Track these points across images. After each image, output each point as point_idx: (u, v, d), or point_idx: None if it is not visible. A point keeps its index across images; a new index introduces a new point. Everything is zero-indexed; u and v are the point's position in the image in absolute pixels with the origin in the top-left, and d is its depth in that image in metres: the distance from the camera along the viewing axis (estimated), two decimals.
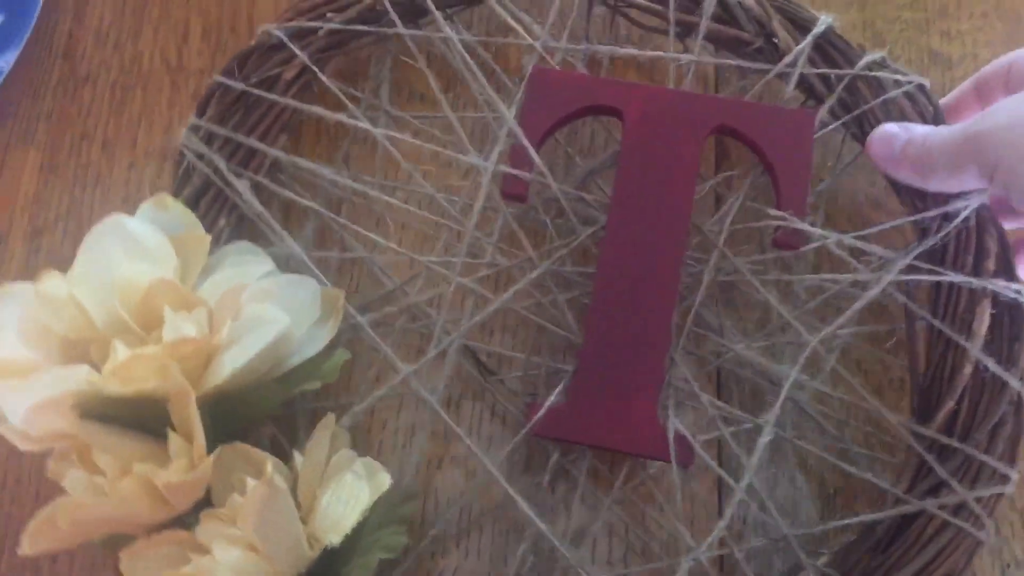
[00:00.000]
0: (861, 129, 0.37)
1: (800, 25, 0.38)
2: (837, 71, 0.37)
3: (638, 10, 0.39)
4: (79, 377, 0.31)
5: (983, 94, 0.38)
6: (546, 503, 0.35)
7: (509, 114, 0.36)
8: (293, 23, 0.39)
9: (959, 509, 0.33)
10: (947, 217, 0.35)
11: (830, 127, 0.37)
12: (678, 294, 0.35)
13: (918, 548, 0.33)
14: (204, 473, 0.31)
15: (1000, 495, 0.33)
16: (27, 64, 0.44)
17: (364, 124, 0.37)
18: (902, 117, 0.37)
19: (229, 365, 0.31)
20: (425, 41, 0.40)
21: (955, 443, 0.33)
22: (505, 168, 0.36)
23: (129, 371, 0.30)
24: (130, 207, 0.36)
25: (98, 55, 0.44)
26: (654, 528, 0.35)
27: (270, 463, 0.30)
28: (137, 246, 0.34)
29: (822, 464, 0.36)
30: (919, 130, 0.35)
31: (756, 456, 0.33)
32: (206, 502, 0.32)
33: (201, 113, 0.38)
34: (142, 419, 0.32)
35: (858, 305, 0.35)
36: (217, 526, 0.31)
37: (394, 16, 0.39)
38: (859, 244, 0.35)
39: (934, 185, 0.35)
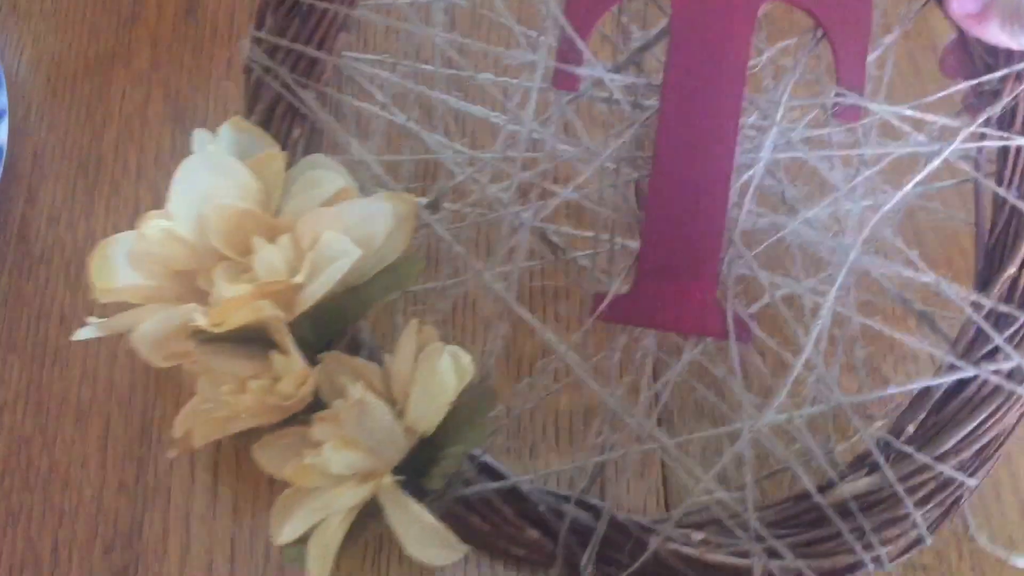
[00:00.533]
0: None
1: None
2: None
3: None
4: (187, 314, 0.35)
5: None
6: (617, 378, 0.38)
7: (556, 7, 0.36)
8: None
9: (1013, 373, 0.34)
10: (1019, 76, 0.34)
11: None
12: (734, 172, 0.36)
13: (970, 409, 0.35)
14: (307, 388, 0.35)
15: None
16: None
17: (418, 28, 0.38)
18: None
19: (311, 297, 0.35)
20: None
21: (1013, 309, 0.34)
22: (555, 63, 0.36)
23: (227, 312, 0.34)
24: (89, 380, 0.41)
25: (51, 234, 0.45)
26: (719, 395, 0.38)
27: (359, 385, 0.34)
28: (222, 178, 0.37)
29: (878, 336, 0.37)
30: None
31: (814, 334, 0.35)
32: (317, 402, 0.37)
33: (259, 26, 0.39)
34: (250, 339, 0.36)
35: (919, 175, 0.35)
36: (326, 427, 0.35)
37: None
38: (919, 116, 0.34)
39: None
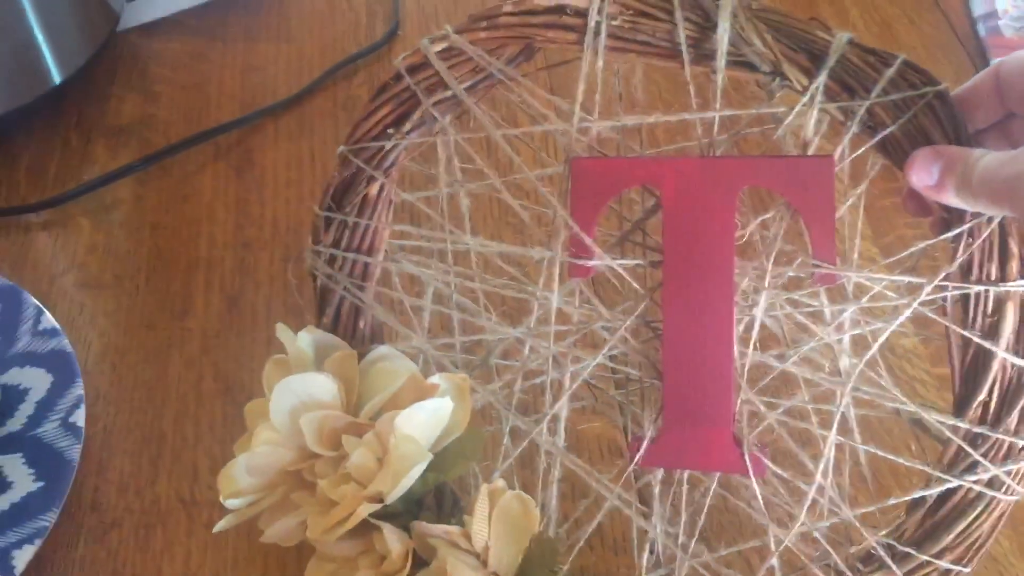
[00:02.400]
0: (886, 150, 0.40)
1: (816, 54, 0.39)
2: (853, 103, 0.39)
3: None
4: (301, 516, 0.43)
5: (1005, 87, 0.39)
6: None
7: (563, 211, 0.42)
8: (361, 144, 0.45)
9: (993, 481, 0.40)
10: (971, 233, 0.39)
11: (852, 157, 0.40)
12: (735, 332, 0.41)
13: (958, 513, 0.41)
14: (409, 560, 0.43)
15: None
16: (61, 519, 0.50)
17: (453, 232, 0.44)
18: (923, 136, 0.39)
19: (396, 495, 0.42)
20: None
21: (987, 431, 0.40)
22: (569, 259, 0.42)
23: (335, 522, 0.42)
24: None
25: (122, 502, 0.51)
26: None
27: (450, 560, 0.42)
28: (310, 389, 0.44)
29: (874, 460, 0.43)
30: (958, 157, 0.37)
31: (822, 463, 0.41)
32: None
33: (316, 241, 0.46)
34: None
35: (893, 326, 0.40)
36: None
37: (444, 123, 0.44)
38: (889, 278, 0.39)
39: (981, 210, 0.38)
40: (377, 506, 0.43)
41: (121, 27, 0.79)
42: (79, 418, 0.53)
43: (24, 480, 0.51)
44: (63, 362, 0.56)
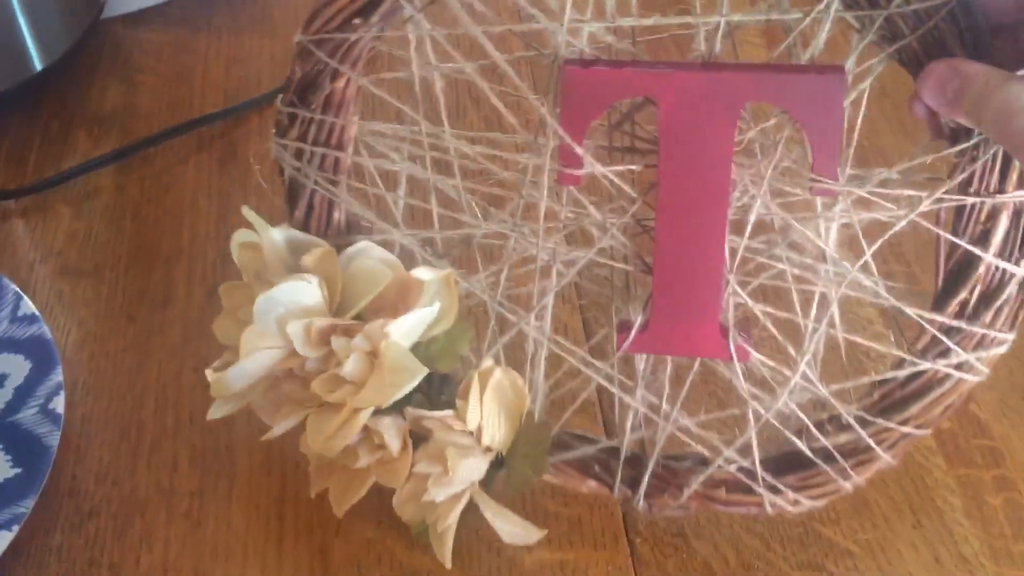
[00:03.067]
0: (901, 60, 0.37)
1: None
2: (872, 12, 0.36)
3: None
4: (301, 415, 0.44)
5: None
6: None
7: (553, 120, 0.39)
8: (322, 34, 0.40)
9: (963, 365, 0.42)
10: (977, 147, 0.38)
11: (865, 65, 0.37)
12: (727, 233, 0.41)
13: (927, 388, 0.43)
14: (409, 446, 0.45)
15: (999, 353, 0.42)
16: (38, 506, 0.48)
17: (431, 131, 0.41)
18: (942, 47, 0.36)
19: (388, 403, 0.43)
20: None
21: (963, 324, 0.41)
22: (559, 168, 0.40)
23: (331, 430, 0.43)
24: None
25: (100, 491, 0.48)
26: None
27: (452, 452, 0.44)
28: (292, 299, 0.43)
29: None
30: (975, 77, 0.35)
31: (807, 354, 0.43)
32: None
33: (281, 135, 0.43)
34: None
35: (888, 233, 0.40)
36: (424, 466, 0.46)
37: (418, 15, 0.39)
38: (887, 192, 0.39)
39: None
40: (371, 409, 0.44)
41: (105, 15, 0.77)
42: (58, 405, 0.52)
43: (1, 466, 0.51)
44: (42, 349, 0.55)
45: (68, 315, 0.59)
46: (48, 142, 0.69)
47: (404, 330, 0.43)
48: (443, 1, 0.39)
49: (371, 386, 0.43)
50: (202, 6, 0.79)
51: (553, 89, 0.39)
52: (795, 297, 0.44)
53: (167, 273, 0.61)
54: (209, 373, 0.45)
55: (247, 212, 0.45)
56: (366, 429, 0.45)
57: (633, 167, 0.41)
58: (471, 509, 0.48)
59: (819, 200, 0.42)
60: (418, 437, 0.46)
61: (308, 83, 0.41)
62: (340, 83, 0.41)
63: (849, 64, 0.37)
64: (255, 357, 0.44)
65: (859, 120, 0.40)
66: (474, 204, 0.44)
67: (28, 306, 0.57)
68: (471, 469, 0.46)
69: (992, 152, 0.38)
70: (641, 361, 0.46)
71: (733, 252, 0.42)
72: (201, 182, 0.66)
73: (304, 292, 0.43)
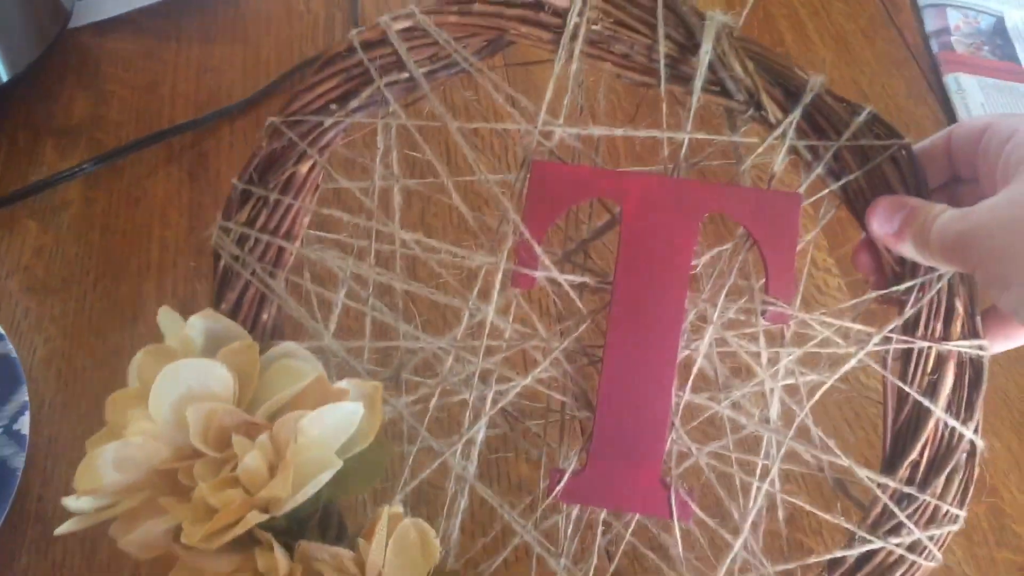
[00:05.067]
0: (846, 196, 0.40)
1: (791, 91, 0.39)
2: (823, 142, 0.39)
3: (632, 80, 0.40)
4: (175, 520, 0.37)
5: (954, 152, 0.40)
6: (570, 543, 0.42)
7: (515, 215, 0.39)
8: (296, 116, 0.41)
9: (915, 545, 0.39)
10: (921, 288, 0.39)
11: (815, 197, 0.40)
12: (676, 368, 0.39)
13: (879, 574, 0.40)
14: None
15: (952, 532, 0.40)
16: (3, 528, 0.48)
17: (383, 225, 0.40)
18: (885, 184, 0.39)
19: (294, 503, 0.37)
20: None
21: (915, 491, 0.39)
22: (515, 267, 0.39)
23: (219, 527, 0.36)
24: None
25: (67, 514, 0.46)
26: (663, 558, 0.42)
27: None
28: (200, 377, 0.38)
29: (796, 509, 0.42)
30: (920, 210, 0.37)
31: (750, 517, 0.39)
32: None
33: (227, 216, 0.41)
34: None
35: (834, 377, 0.39)
36: None
37: (398, 109, 0.40)
38: (839, 323, 0.39)
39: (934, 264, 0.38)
40: (265, 516, 0.38)
41: (72, 24, 0.75)
42: (23, 426, 0.50)
43: None
44: (7, 367, 0.52)
45: (35, 332, 0.56)
46: (14, 154, 0.66)
47: (322, 426, 0.38)
48: (418, 103, 0.41)
49: (275, 482, 0.37)
50: (172, 15, 0.77)
51: (519, 185, 0.40)
52: (734, 463, 0.42)
53: (137, 288, 0.58)
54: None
55: (163, 311, 0.42)
56: (246, 554, 0.38)
57: (588, 280, 0.40)
58: None
59: (764, 357, 0.41)
60: None
61: (272, 162, 0.41)
62: (304, 167, 0.41)
63: (803, 189, 0.39)
64: (139, 442, 0.38)
65: (805, 270, 0.41)
66: (414, 311, 0.42)
67: None
68: None
69: (937, 292, 0.39)
70: (568, 525, 0.41)
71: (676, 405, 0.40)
72: (171, 194, 0.64)
73: (215, 375, 0.39)
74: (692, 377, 0.40)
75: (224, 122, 0.68)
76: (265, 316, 0.42)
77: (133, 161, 0.66)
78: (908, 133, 0.39)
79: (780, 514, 0.42)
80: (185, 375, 0.38)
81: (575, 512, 0.41)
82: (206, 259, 0.57)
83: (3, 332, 0.53)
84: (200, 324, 0.41)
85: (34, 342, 0.56)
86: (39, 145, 0.67)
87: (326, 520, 0.42)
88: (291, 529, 0.40)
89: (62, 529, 0.40)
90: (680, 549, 0.40)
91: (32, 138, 0.68)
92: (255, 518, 0.37)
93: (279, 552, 0.37)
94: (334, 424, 0.39)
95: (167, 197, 0.64)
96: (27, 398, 0.51)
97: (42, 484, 0.50)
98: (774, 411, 0.41)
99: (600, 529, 0.41)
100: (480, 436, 0.41)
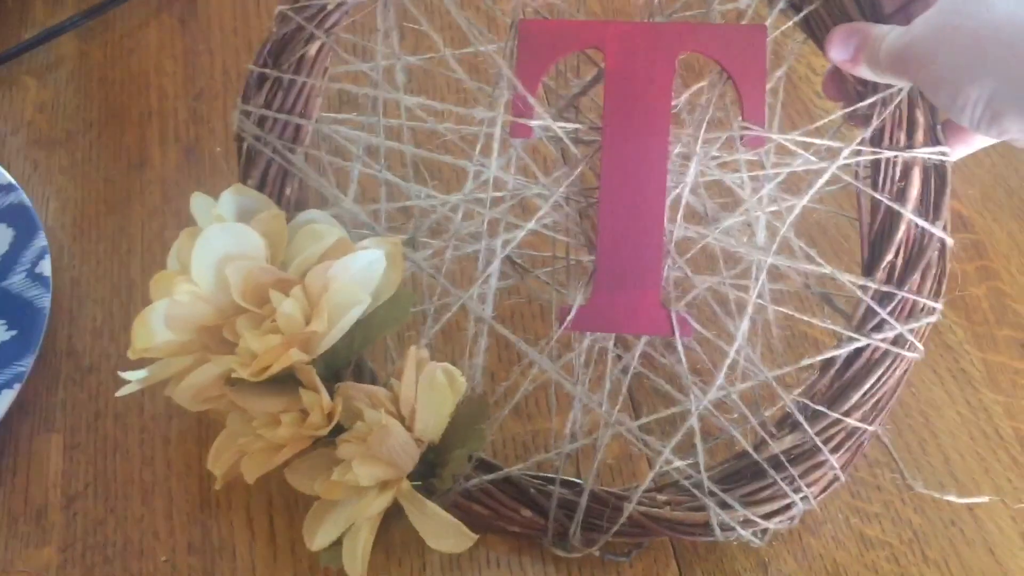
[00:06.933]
0: (809, 27, 0.43)
1: None
2: None
3: None
4: (224, 366, 0.41)
5: None
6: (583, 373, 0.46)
7: (509, 71, 0.43)
8: (302, 2, 0.44)
9: (898, 339, 0.43)
10: (883, 102, 0.43)
11: (781, 29, 0.43)
12: (666, 198, 0.43)
13: (866, 371, 0.43)
14: (335, 418, 0.41)
15: (930, 323, 0.43)
16: (38, 366, 0.51)
17: (387, 93, 0.44)
18: (842, 12, 0.43)
19: (330, 341, 0.41)
20: None
21: (893, 288, 0.43)
22: (511, 118, 0.43)
23: (265, 362, 0.40)
24: (148, 463, 0.48)
25: (97, 347, 0.52)
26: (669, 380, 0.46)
27: (381, 411, 0.41)
28: (235, 241, 0.42)
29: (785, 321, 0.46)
30: (871, 33, 0.41)
31: (743, 326, 0.43)
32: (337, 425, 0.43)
33: (247, 100, 0.45)
34: (275, 378, 0.42)
35: (813, 190, 0.43)
36: (350, 447, 0.42)
37: None
38: (810, 140, 0.43)
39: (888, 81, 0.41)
40: (306, 357, 0.41)
41: None
42: (45, 268, 0.53)
43: None
44: (22, 215, 0.56)
45: (46, 184, 0.59)
46: (5, 15, 0.68)
47: (349, 273, 0.42)
48: None
49: (313, 322, 0.41)
50: None
51: (510, 47, 0.43)
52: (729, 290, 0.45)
53: (140, 135, 0.61)
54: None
55: (194, 197, 0.45)
56: (290, 395, 0.42)
57: (580, 126, 0.44)
58: (395, 514, 0.43)
59: (748, 187, 0.45)
60: (339, 429, 0.43)
61: (283, 46, 0.45)
62: (313, 48, 0.45)
63: (768, 23, 0.43)
64: (186, 300, 0.42)
65: (779, 101, 0.45)
66: (425, 177, 0.46)
67: (4, 175, 0.57)
68: (401, 449, 0.42)
69: (897, 103, 0.42)
70: (580, 357, 0.45)
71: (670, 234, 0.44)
72: (164, 43, 0.66)
73: (248, 239, 0.43)
74: (682, 208, 0.44)
75: None
76: (288, 190, 0.46)
77: (123, 13, 0.68)
78: None
79: (774, 330, 0.45)
80: (222, 240, 0.42)
81: (586, 342, 0.45)
82: (205, 103, 0.62)
83: (16, 183, 0.56)
84: (230, 199, 0.45)
85: (46, 192, 0.59)
86: (28, 4, 0.69)
87: (359, 371, 0.46)
88: (329, 377, 0.44)
89: (123, 392, 0.44)
90: (685, 365, 0.44)
91: None
92: (296, 355, 0.41)
93: (321, 388, 0.41)
94: (360, 271, 0.43)
95: (160, 45, 0.66)
96: (45, 243, 0.54)
97: (70, 323, 0.54)
98: (761, 236, 0.45)
99: (610, 356, 0.45)
100: (494, 280, 0.45)
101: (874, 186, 0.43)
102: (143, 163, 0.60)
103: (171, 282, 0.44)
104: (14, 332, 0.52)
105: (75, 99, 0.63)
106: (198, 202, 0.45)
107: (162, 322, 0.42)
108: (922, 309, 0.43)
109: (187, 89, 0.63)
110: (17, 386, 0.49)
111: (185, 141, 0.61)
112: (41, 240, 0.54)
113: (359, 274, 0.42)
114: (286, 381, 0.42)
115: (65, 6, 0.68)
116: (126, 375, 0.45)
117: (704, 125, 0.43)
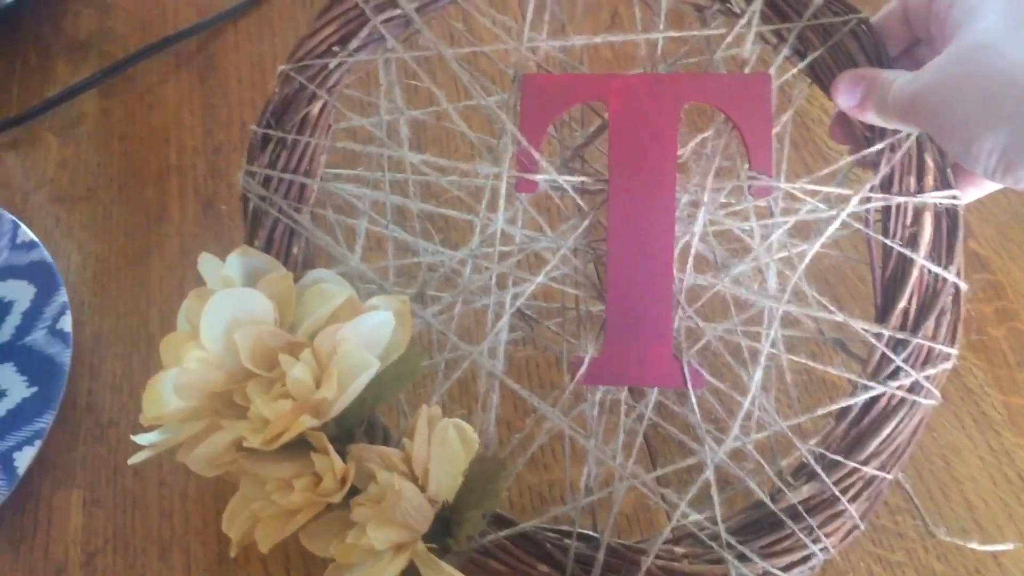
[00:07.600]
0: (815, 73, 0.43)
1: None
2: (787, 25, 0.42)
3: None
4: (236, 431, 0.41)
5: (910, 17, 0.43)
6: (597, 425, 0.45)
7: (512, 126, 0.42)
8: (304, 62, 0.44)
9: (915, 386, 0.43)
10: (892, 148, 0.42)
11: (786, 76, 0.43)
12: (675, 248, 0.43)
13: (882, 419, 0.43)
14: (348, 482, 0.41)
15: (946, 370, 0.43)
16: (58, 421, 0.52)
17: (392, 150, 0.44)
18: (848, 58, 0.42)
19: (340, 406, 0.41)
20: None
21: (907, 335, 0.42)
22: (516, 174, 0.43)
23: (276, 431, 0.40)
24: (167, 519, 0.48)
25: (116, 403, 0.52)
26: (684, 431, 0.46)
27: (395, 475, 0.41)
28: (243, 306, 0.42)
29: (803, 379, 0.45)
30: (877, 79, 0.41)
31: (757, 375, 0.42)
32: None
33: (251, 161, 0.45)
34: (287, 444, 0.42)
35: (823, 237, 0.43)
36: (364, 510, 0.42)
37: (393, 42, 0.44)
38: (819, 188, 0.42)
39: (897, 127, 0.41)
40: (317, 422, 0.41)
41: None
42: (66, 324, 0.54)
43: (18, 387, 0.53)
44: (44, 272, 0.57)
45: (67, 240, 0.60)
46: (28, 73, 0.69)
47: (358, 334, 0.42)
48: (415, 37, 0.44)
49: (323, 388, 0.41)
50: None
51: (513, 101, 0.43)
52: (740, 337, 0.45)
53: (160, 190, 0.62)
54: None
55: (202, 258, 0.45)
56: (303, 460, 0.42)
57: (586, 179, 0.44)
58: (410, 575, 0.42)
59: (755, 225, 0.44)
60: (353, 491, 0.43)
61: (286, 106, 0.45)
62: (316, 107, 0.45)
63: (772, 71, 0.43)
64: (195, 368, 0.42)
65: (786, 146, 0.45)
66: (431, 231, 0.45)
67: (26, 233, 0.58)
68: (415, 511, 0.42)
69: (907, 150, 0.42)
70: (593, 409, 0.45)
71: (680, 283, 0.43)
72: (183, 98, 0.67)
73: (256, 302, 0.43)
74: (691, 258, 0.44)
75: (229, 23, 0.71)
76: (295, 249, 0.46)
77: (143, 70, 0.69)
78: (865, 8, 0.43)
79: (788, 377, 0.45)
80: (230, 304, 0.42)
81: (599, 394, 0.45)
82: (223, 157, 0.63)
83: (38, 240, 0.58)
84: (237, 261, 0.45)
85: (67, 249, 0.60)
86: (51, 62, 0.70)
87: (372, 430, 0.46)
88: (341, 438, 0.43)
89: (135, 459, 0.44)
90: (698, 416, 0.43)
91: (43, 56, 0.71)
92: (307, 421, 0.41)
93: (333, 454, 0.41)
94: (368, 332, 0.42)
95: (180, 101, 0.67)
96: (66, 298, 0.55)
97: (90, 378, 0.55)
98: (772, 282, 0.45)
99: (623, 408, 0.44)
100: (503, 335, 0.44)
101: (885, 232, 0.42)
102: (162, 217, 0.61)
103: (180, 345, 0.44)
104: (35, 389, 0.53)
105: (96, 155, 0.65)
106: (206, 263, 0.45)
107: (172, 390, 0.42)
108: (938, 355, 0.43)
109: (206, 143, 0.64)
110: (38, 443, 0.50)
111: (204, 195, 0.62)
112: (62, 296, 0.55)
113: (368, 335, 0.42)
114: (298, 445, 0.42)
115: (87, 63, 0.70)
116: (139, 439, 0.45)
117: (712, 174, 0.43)
